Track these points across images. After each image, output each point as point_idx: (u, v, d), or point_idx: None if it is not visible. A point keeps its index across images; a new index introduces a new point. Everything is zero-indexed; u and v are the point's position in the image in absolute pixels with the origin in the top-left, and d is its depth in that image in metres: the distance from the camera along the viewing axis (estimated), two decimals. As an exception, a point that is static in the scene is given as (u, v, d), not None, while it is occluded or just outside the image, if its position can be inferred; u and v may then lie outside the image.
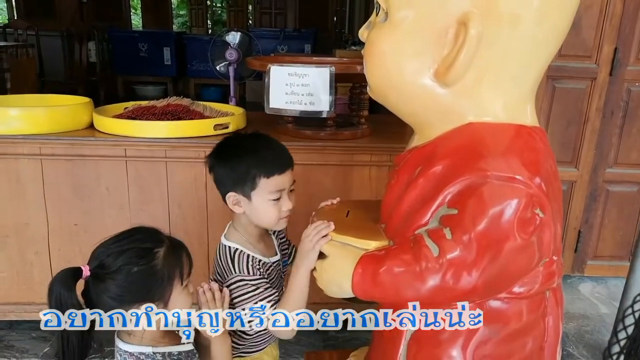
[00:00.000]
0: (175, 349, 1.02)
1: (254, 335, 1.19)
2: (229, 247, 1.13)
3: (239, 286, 1.08)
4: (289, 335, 1.10)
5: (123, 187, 1.66)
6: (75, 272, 0.92)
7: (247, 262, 1.11)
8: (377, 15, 1.00)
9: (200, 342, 1.12)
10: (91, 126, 1.72)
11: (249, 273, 1.09)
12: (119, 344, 1.00)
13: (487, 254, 0.86)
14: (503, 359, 0.97)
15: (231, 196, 1.11)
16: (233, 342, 1.15)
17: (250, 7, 8.61)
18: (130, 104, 1.90)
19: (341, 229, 1.08)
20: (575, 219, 2.28)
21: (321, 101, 1.53)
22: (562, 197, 1.01)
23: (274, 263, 1.19)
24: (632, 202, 2.27)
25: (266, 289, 1.09)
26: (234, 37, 4.72)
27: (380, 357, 1.09)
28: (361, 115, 1.76)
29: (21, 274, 1.72)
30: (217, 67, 4.91)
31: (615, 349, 1.69)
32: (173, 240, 1.00)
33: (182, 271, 0.98)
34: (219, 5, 10.26)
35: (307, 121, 1.72)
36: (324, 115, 1.55)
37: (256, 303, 1.07)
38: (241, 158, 1.11)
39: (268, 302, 1.07)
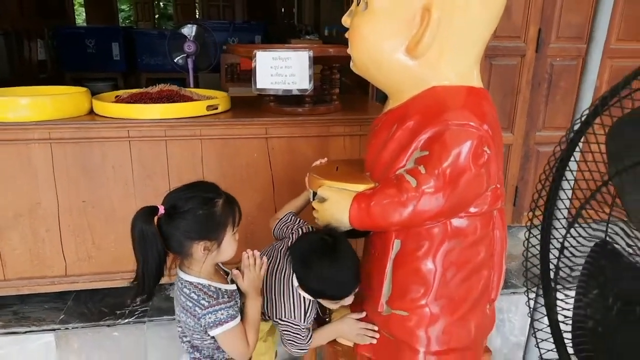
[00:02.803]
0: (224, 286, 1.23)
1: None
2: (303, 297, 1.32)
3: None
4: None
5: (127, 165, 1.85)
6: (153, 210, 1.12)
7: (313, 310, 1.35)
8: (357, 5, 1.27)
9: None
10: (91, 112, 1.90)
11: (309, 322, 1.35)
12: (181, 274, 1.21)
13: (452, 182, 1.16)
14: (464, 263, 1.27)
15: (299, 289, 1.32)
16: None
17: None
18: (121, 92, 2.08)
19: (335, 177, 1.35)
20: (513, 177, 2.67)
21: (302, 80, 1.79)
22: (502, 142, 1.33)
23: None
24: (559, 160, 2.68)
25: None
26: (190, 30, 4.87)
27: (374, 275, 1.37)
28: (333, 93, 2.04)
29: (33, 250, 1.88)
30: (175, 60, 5.04)
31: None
32: (228, 195, 1.22)
33: (234, 220, 1.20)
34: (165, -2, 10.20)
35: (287, 99, 1.97)
36: (306, 92, 1.81)
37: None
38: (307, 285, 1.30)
39: None
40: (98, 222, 1.90)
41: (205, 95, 2.07)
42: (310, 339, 1.36)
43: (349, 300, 1.33)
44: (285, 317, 1.32)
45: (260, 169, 1.94)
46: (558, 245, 0.91)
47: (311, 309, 1.34)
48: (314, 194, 1.37)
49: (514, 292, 2.17)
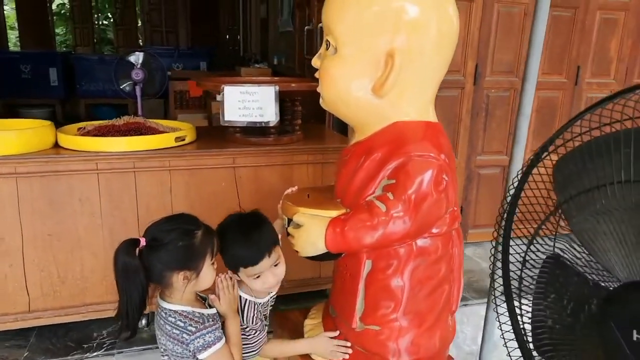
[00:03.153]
0: (205, 311, 1.29)
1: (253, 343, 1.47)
2: (240, 296, 1.42)
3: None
4: None
5: (95, 197, 1.87)
6: (134, 242, 1.17)
7: (254, 312, 1.43)
8: (327, 49, 1.40)
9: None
10: (55, 145, 1.91)
11: (253, 323, 1.43)
12: (163, 304, 1.26)
13: (417, 207, 1.30)
14: (428, 279, 1.41)
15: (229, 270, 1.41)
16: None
17: (139, 25, 8.57)
18: (83, 124, 2.10)
19: (308, 204, 1.46)
20: (457, 197, 2.89)
21: (269, 113, 1.90)
22: (455, 168, 1.50)
23: (269, 298, 1.51)
24: (497, 180, 2.95)
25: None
26: (137, 57, 4.88)
27: (347, 294, 1.48)
28: (295, 124, 2.16)
29: (-5, 287, 1.84)
30: (121, 87, 5.02)
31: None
32: (206, 226, 1.28)
33: (213, 250, 1.27)
34: (104, 23, 10.00)
35: (252, 130, 2.07)
36: (272, 124, 1.92)
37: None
38: (224, 250, 1.36)
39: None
40: (63, 255, 1.89)
41: (171, 127, 2.13)
42: (259, 341, 1.43)
43: (270, 279, 1.37)
44: None
45: (228, 197, 2.02)
46: (520, 259, 1.07)
47: (248, 308, 1.41)
48: (289, 220, 1.47)
49: (465, 305, 2.35)
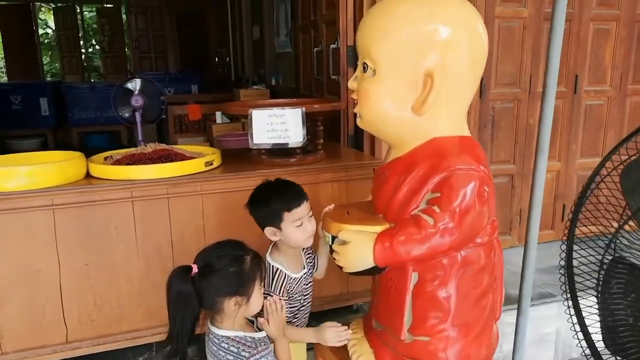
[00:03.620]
0: (256, 335, 1.33)
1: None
2: (272, 265, 1.50)
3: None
4: None
5: (130, 225, 1.89)
6: (187, 270, 1.21)
7: (282, 282, 1.50)
8: (364, 71, 1.47)
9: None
10: (87, 175, 1.93)
11: (279, 293, 1.50)
12: (215, 330, 1.29)
13: (462, 218, 1.36)
14: (473, 289, 1.46)
15: (268, 230, 1.50)
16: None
17: (127, 52, 8.60)
18: (108, 153, 2.12)
19: (352, 221, 1.51)
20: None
21: (296, 134, 1.96)
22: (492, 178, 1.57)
23: (301, 276, 1.58)
24: (506, 190, 3.04)
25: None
26: (134, 84, 4.92)
27: (393, 307, 1.52)
28: (317, 143, 2.22)
29: (33, 319, 1.83)
30: (120, 114, 5.05)
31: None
32: (254, 252, 1.33)
33: (261, 275, 1.31)
34: (90, 51, 9.99)
35: (277, 151, 2.12)
36: (300, 145, 1.97)
37: None
38: (269, 202, 1.52)
39: None
40: (100, 284, 1.90)
41: (196, 152, 2.17)
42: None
43: (309, 228, 1.54)
44: None
45: (259, 218, 2.05)
46: (596, 261, 1.13)
47: (278, 277, 1.52)
48: (333, 238, 1.51)
49: (489, 312, 2.40)
